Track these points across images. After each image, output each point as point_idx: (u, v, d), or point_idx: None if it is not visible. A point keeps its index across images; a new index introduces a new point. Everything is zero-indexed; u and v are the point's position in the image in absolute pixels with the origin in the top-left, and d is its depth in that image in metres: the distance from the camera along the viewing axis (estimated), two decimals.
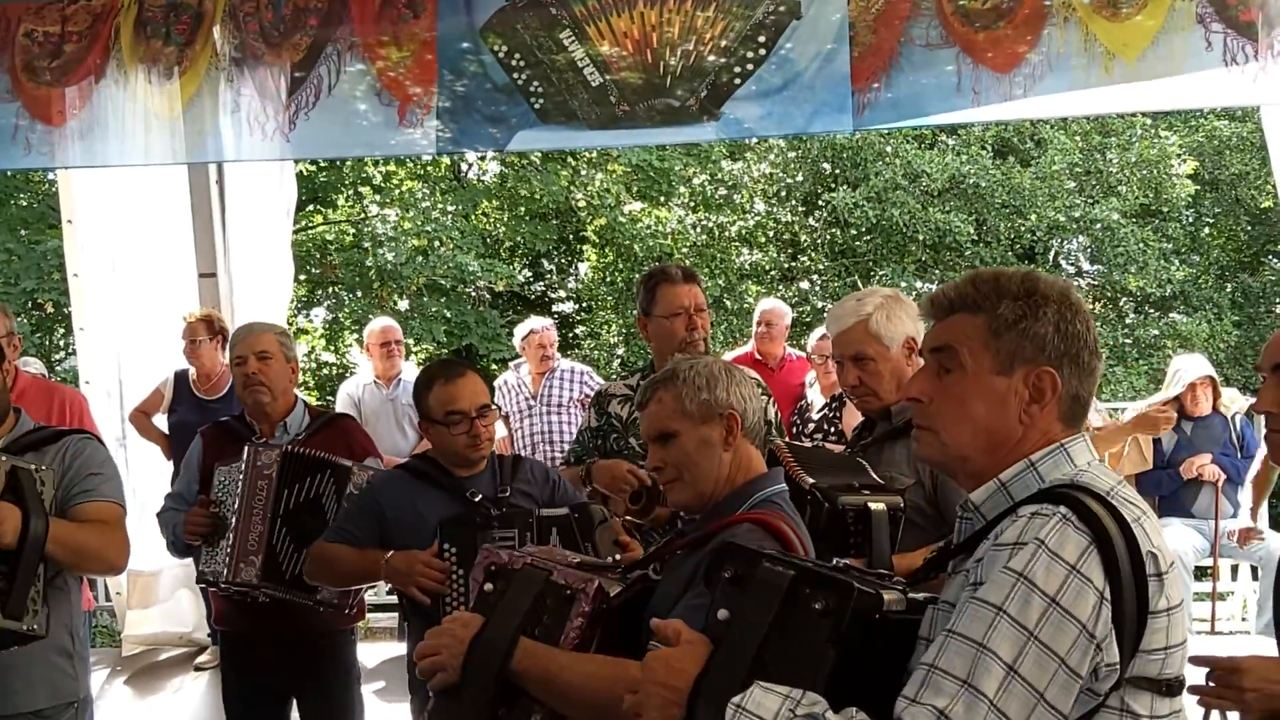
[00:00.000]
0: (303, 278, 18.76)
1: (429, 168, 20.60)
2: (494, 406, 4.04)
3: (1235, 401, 8.21)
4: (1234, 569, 8.77)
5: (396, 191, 20.51)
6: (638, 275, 15.87)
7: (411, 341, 17.98)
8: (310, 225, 20.19)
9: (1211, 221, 22.03)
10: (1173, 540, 7.27)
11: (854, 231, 20.23)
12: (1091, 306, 19.93)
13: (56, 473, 3.56)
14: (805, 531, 2.89)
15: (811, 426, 7.59)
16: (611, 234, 20.26)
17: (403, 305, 19.65)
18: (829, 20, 5.36)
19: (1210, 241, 21.97)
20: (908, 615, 2.00)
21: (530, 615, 2.54)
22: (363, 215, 20.87)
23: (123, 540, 3.71)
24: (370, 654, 7.69)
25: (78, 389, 7.01)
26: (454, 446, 3.94)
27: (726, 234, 21.19)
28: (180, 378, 7.27)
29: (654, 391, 2.95)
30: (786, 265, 21.14)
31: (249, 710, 4.75)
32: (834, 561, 2.32)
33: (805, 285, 21.10)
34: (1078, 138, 20.52)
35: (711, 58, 5.42)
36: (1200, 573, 8.29)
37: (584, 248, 21.83)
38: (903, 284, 18.59)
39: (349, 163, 19.46)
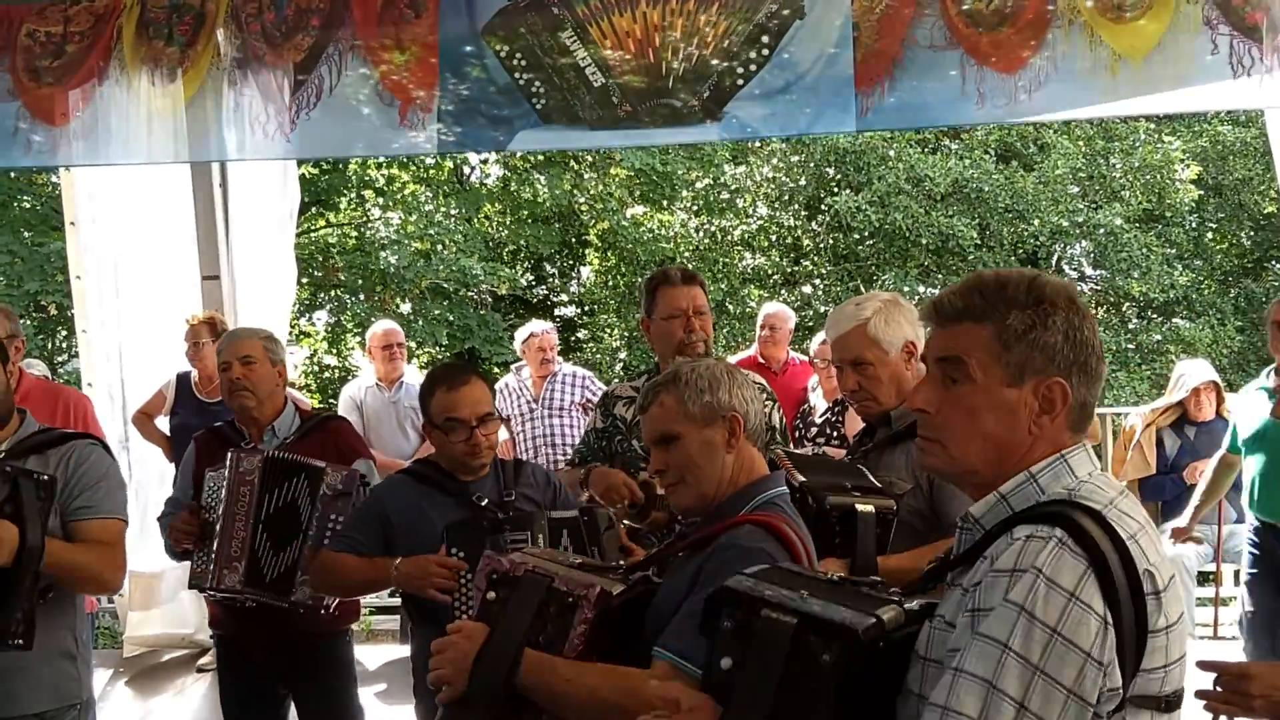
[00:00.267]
0: (305, 281, 18.76)
1: (432, 171, 20.60)
2: (495, 416, 4.02)
3: None
4: (1236, 574, 8.75)
5: (399, 195, 20.52)
6: (640, 279, 15.88)
7: (414, 344, 17.99)
8: (313, 228, 20.20)
9: (1215, 227, 22.02)
10: (1175, 545, 7.26)
11: (856, 236, 20.23)
12: (1094, 312, 19.95)
13: (60, 479, 3.58)
14: (806, 532, 2.89)
15: (814, 431, 7.60)
16: (614, 238, 20.27)
17: (405, 308, 19.65)
18: (832, 21, 5.34)
19: (1213, 247, 21.96)
20: (906, 628, 2.00)
21: (534, 624, 2.54)
22: (365, 218, 20.87)
23: (120, 559, 3.74)
24: (372, 656, 7.69)
25: (82, 391, 7.02)
26: (453, 453, 3.94)
27: (729, 238, 21.21)
28: (182, 380, 7.27)
29: (656, 394, 2.94)
30: (789, 269, 21.14)
31: (246, 713, 4.75)
32: (825, 574, 2.27)
33: (808, 289, 21.09)
34: (1081, 142, 20.52)
35: (714, 58, 5.41)
36: (1203, 578, 8.27)
37: (586, 251, 21.84)
38: (905, 288, 18.60)
39: (352, 166, 19.48)
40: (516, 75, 5.50)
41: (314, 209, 19.83)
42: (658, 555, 2.96)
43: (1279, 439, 5.92)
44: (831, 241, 20.84)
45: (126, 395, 7.53)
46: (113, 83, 5.67)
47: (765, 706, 1.97)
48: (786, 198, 20.99)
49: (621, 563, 3.47)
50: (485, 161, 21.32)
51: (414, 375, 8.23)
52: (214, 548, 4.34)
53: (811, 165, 20.43)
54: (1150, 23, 5.10)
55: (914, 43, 5.27)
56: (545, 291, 22.90)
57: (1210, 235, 22.06)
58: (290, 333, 11.13)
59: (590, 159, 20.13)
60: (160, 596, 7.34)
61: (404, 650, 4.13)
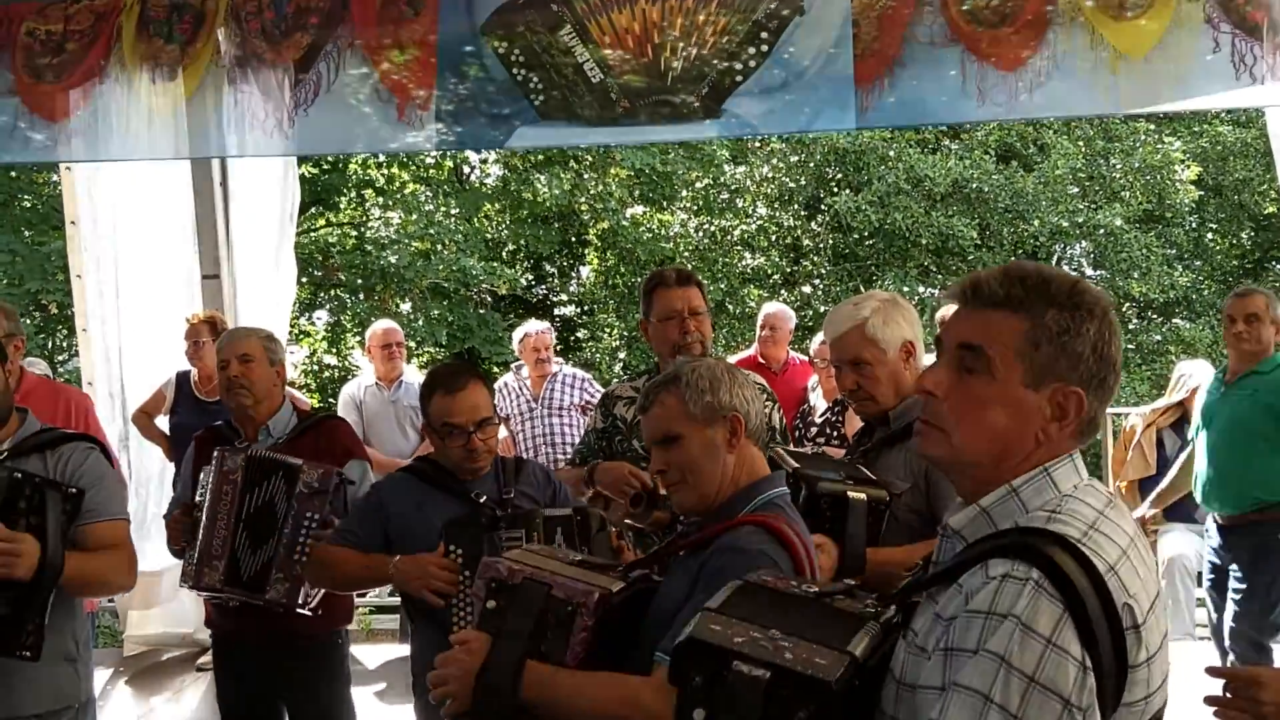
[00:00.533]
0: (305, 280, 18.76)
1: (432, 170, 20.60)
2: (494, 420, 4.01)
3: None
4: None
5: (399, 194, 20.51)
6: (640, 279, 15.87)
7: (414, 344, 17.99)
8: (313, 228, 20.20)
9: (1215, 227, 22.03)
10: (1176, 545, 7.28)
11: (856, 236, 20.22)
12: None
13: (58, 478, 3.59)
14: (807, 534, 2.89)
15: (814, 431, 7.60)
16: (614, 238, 20.25)
17: (405, 308, 19.65)
18: (832, 18, 5.32)
19: (1213, 247, 21.96)
20: (882, 646, 1.99)
21: (534, 633, 2.54)
22: (365, 218, 20.87)
23: (130, 560, 3.78)
24: (372, 656, 7.70)
25: (82, 390, 7.02)
26: (452, 457, 3.94)
27: (729, 238, 21.19)
28: (182, 379, 7.28)
29: (656, 395, 2.94)
30: (789, 269, 21.13)
31: (242, 712, 4.75)
32: (801, 586, 2.25)
33: (807, 289, 21.08)
34: (1081, 143, 20.51)
35: (713, 56, 5.39)
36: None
37: (586, 251, 21.82)
38: (905, 289, 18.59)
39: (352, 165, 19.48)
40: (515, 72, 5.49)
41: (314, 208, 19.83)
42: (658, 554, 2.96)
43: (1222, 421, 6.03)
44: (831, 241, 20.83)
45: (126, 394, 7.53)
46: (113, 80, 5.67)
47: None
48: (786, 198, 20.98)
49: (622, 561, 3.49)
50: (485, 161, 21.32)
51: (413, 375, 8.24)
52: (197, 546, 4.36)
53: (811, 165, 20.41)
54: (1151, 21, 5.08)
55: (914, 39, 5.25)
56: (545, 291, 22.88)
57: (1210, 236, 22.06)
58: (290, 332, 11.13)
59: (590, 159, 20.11)
60: (160, 595, 7.33)
61: (404, 649, 4.13)
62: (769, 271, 20.94)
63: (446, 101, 5.60)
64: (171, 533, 4.54)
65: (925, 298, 18.59)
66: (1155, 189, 20.12)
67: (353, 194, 20.35)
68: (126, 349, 7.60)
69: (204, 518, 4.36)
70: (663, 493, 3.99)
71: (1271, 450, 5.83)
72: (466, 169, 21.57)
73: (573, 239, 21.42)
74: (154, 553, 4.82)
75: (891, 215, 19.28)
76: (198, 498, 4.47)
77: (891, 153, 19.87)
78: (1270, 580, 5.83)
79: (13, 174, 16.53)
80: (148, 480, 7.46)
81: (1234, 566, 5.95)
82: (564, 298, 22.91)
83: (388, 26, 5.54)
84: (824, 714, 1.91)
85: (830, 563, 3.30)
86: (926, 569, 2.05)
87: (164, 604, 7.49)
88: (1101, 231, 19.71)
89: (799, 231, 21.17)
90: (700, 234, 21.20)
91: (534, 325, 8.71)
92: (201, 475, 4.49)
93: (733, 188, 21.37)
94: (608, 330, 21.16)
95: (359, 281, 19.23)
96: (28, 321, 16.17)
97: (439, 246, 19.01)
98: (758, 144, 20.81)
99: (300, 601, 4.33)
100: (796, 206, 20.97)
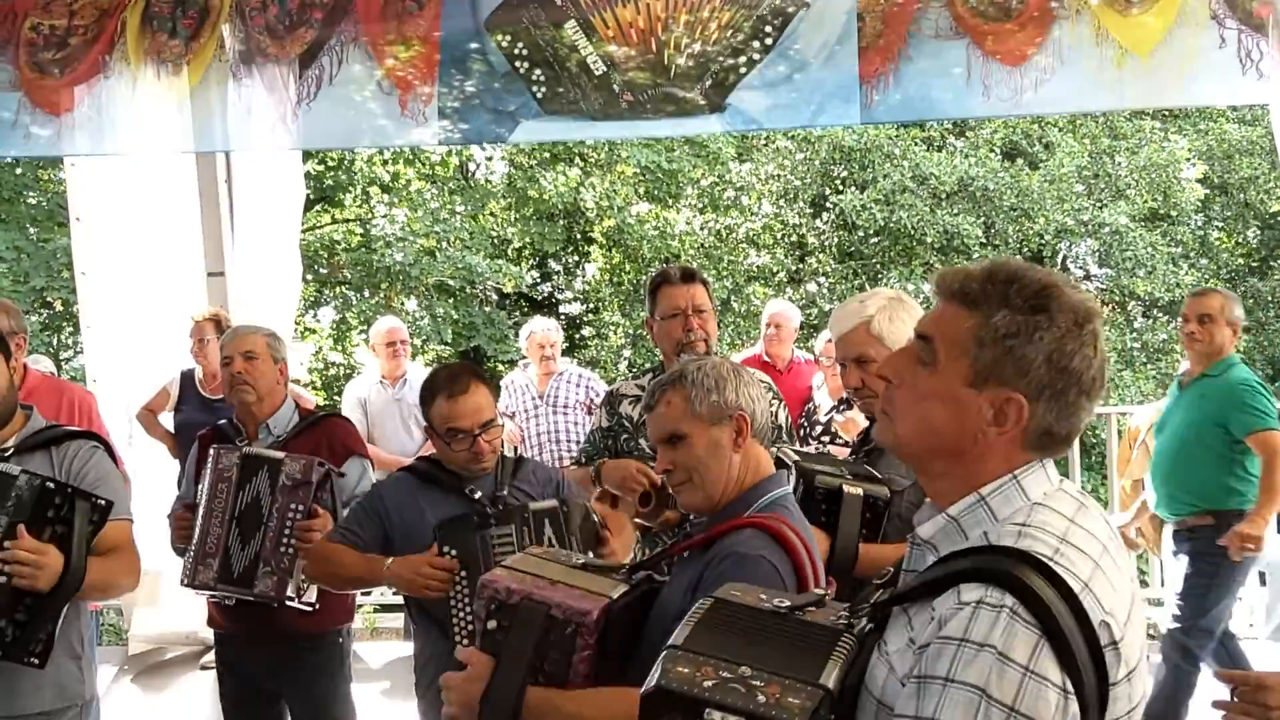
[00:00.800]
0: (310, 278, 18.78)
1: (437, 168, 20.62)
2: (499, 422, 3.99)
3: None
4: None
5: (405, 191, 20.52)
6: (644, 277, 15.88)
7: (419, 342, 17.99)
8: (318, 225, 20.21)
9: (1221, 226, 21.99)
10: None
11: (861, 234, 20.19)
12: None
13: (63, 476, 3.61)
14: (811, 535, 2.88)
15: (819, 429, 7.59)
16: (619, 235, 20.25)
17: (411, 305, 19.66)
18: (837, 12, 5.30)
19: (1219, 246, 21.92)
20: (856, 660, 1.95)
21: (536, 654, 2.53)
22: (370, 215, 20.88)
23: (136, 561, 3.79)
24: (376, 654, 7.71)
25: (86, 387, 7.02)
26: (456, 460, 3.93)
27: (734, 236, 21.19)
28: (186, 377, 7.28)
29: (662, 393, 2.93)
30: (794, 267, 21.13)
31: (244, 710, 4.75)
32: (776, 603, 2.15)
33: (812, 287, 21.08)
34: (1086, 141, 20.50)
35: (717, 50, 5.38)
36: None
37: (591, 249, 21.83)
38: (910, 287, 18.57)
39: (357, 162, 19.48)
40: (518, 65, 5.48)
41: (319, 206, 19.84)
42: (662, 554, 2.96)
43: (1173, 424, 6.01)
44: (836, 239, 20.82)
45: (131, 392, 7.53)
46: (116, 74, 5.67)
47: None
48: (791, 195, 20.97)
49: (589, 554, 3.48)
50: (491, 159, 21.33)
51: (418, 373, 8.22)
52: (193, 544, 4.38)
53: (817, 163, 20.40)
54: (1157, 17, 5.06)
55: (919, 33, 5.24)
56: (550, 289, 22.88)
57: (1216, 234, 22.01)
58: (295, 330, 11.13)
59: (595, 157, 20.13)
60: (164, 594, 7.34)
61: (408, 648, 4.13)
62: (774, 269, 20.94)
63: (450, 96, 5.60)
64: (175, 531, 4.56)
65: (930, 296, 18.56)
66: (1161, 187, 20.08)
67: (358, 191, 20.35)
68: (131, 346, 7.60)
69: (199, 516, 4.38)
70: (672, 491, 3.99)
71: (1213, 458, 5.78)
72: (472, 166, 21.57)
73: (578, 236, 21.42)
74: (158, 551, 4.82)
75: (897, 213, 19.27)
76: (198, 496, 4.48)
77: (897, 150, 19.86)
78: (1205, 587, 5.80)
79: (18, 170, 16.57)
80: (151, 479, 7.45)
81: (1181, 571, 5.94)
82: (569, 295, 22.90)
83: (391, 21, 5.53)
84: None
85: (820, 556, 3.30)
86: (898, 575, 2.02)
87: (168, 602, 7.50)
88: (1107, 230, 19.68)
89: (804, 229, 21.16)
90: (705, 232, 21.21)
91: (541, 323, 8.71)
92: (204, 473, 4.50)
93: (738, 185, 21.37)
94: (613, 328, 21.16)
95: (364, 279, 19.24)
96: (33, 319, 16.21)
97: (444, 244, 19.02)
98: (763, 141, 20.81)
99: (290, 594, 4.31)
100: (802, 204, 20.96)
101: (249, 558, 4.31)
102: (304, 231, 15.51)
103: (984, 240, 19.61)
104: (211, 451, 4.43)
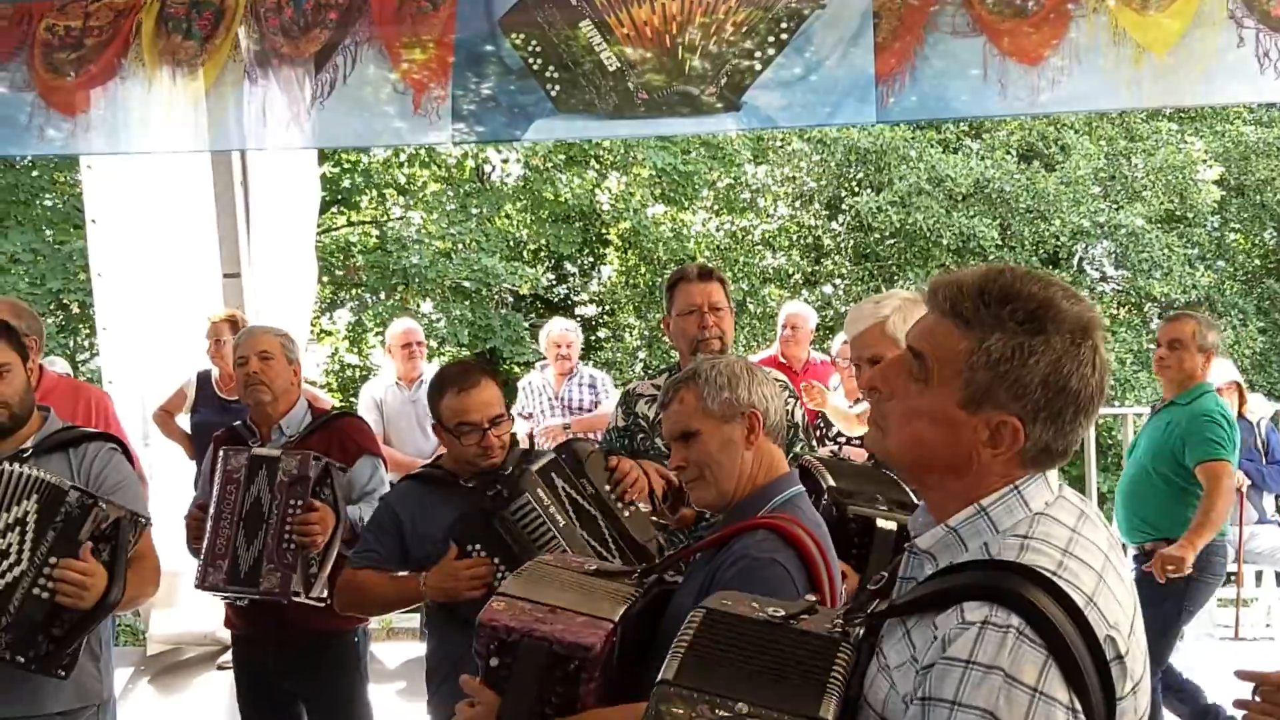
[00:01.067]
0: (326, 280, 18.83)
1: (453, 170, 20.65)
2: (508, 416, 3.98)
3: (1261, 408, 8.17)
4: (1258, 575, 8.72)
5: (420, 194, 20.56)
6: (660, 279, 15.87)
7: (435, 344, 18.02)
8: (334, 227, 20.26)
9: (1237, 227, 21.93)
10: None
11: (877, 235, 20.19)
12: (1115, 312, 19.92)
13: (82, 479, 3.64)
14: (825, 533, 2.87)
15: (835, 430, 7.58)
16: (635, 237, 20.27)
17: (426, 307, 19.69)
18: (853, 9, 5.28)
19: (1236, 247, 21.87)
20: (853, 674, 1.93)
21: (542, 689, 2.49)
22: (386, 217, 20.93)
23: (157, 568, 3.84)
24: (392, 654, 7.72)
25: (103, 389, 7.05)
26: (464, 455, 3.90)
27: (750, 237, 21.20)
28: (203, 378, 7.29)
29: (676, 391, 2.94)
30: (810, 269, 21.13)
31: (259, 711, 4.75)
32: (769, 612, 2.10)
33: (828, 289, 21.09)
34: (1103, 142, 20.46)
35: (732, 48, 5.36)
36: (1224, 579, 8.24)
37: (607, 251, 21.84)
38: (926, 288, 18.55)
39: (373, 164, 19.53)
40: (532, 63, 5.48)
41: (335, 207, 19.89)
42: (675, 556, 2.95)
43: (1140, 447, 5.96)
44: (852, 241, 20.83)
45: (147, 393, 7.55)
46: (131, 75, 5.69)
47: None
48: (807, 197, 20.99)
49: (606, 487, 3.45)
50: (506, 161, 21.35)
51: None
52: (203, 546, 4.39)
53: (832, 165, 20.40)
54: (1174, 16, 5.04)
55: (936, 30, 5.21)
56: (566, 291, 22.91)
57: (1232, 236, 21.96)
58: (311, 331, 11.16)
59: (611, 159, 20.14)
60: (181, 595, 7.36)
61: (424, 648, 4.12)
62: (790, 271, 20.95)
63: (463, 94, 5.60)
64: (189, 531, 4.57)
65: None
66: (1177, 189, 20.04)
67: (374, 193, 20.40)
68: (147, 347, 7.63)
69: (209, 518, 4.38)
70: (685, 488, 3.98)
71: (1169, 488, 5.71)
72: (488, 168, 21.60)
73: (594, 238, 21.44)
74: (175, 553, 4.83)
75: (913, 215, 19.25)
76: (208, 497, 4.50)
77: (913, 152, 19.85)
78: (1154, 613, 5.66)
79: (34, 173, 16.64)
80: (168, 480, 7.48)
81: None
82: (585, 297, 22.92)
83: (406, 22, 5.54)
84: None
85: (849, 592, 3.28)
86: (893, 581, 1.99)
87: (185, 603, 7.52)
88: (1123, 231, 19.65)
89: (820, 231, 21.17)
90: (721, 233, 21.22)
91: (558, 324, 8.72)
92: (215, 475, 4.53)
93: (754, 187, 21.39)
94: (628, 330, 21.18)
95: (380, 281, 19.28)
96: (50, 321, 16.27)
97: (460, 246, 19.05)
98: (778, 143, 20.81)
99: (295, 589, 4.31)
100: (817, 206, 20.97)
101: (253, 557, 4.32)
102: (320, 234, 15.55)
103: (1000, 242, 19.59)
104: (220, 453, 4.43)
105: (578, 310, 22.14)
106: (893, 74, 5.25)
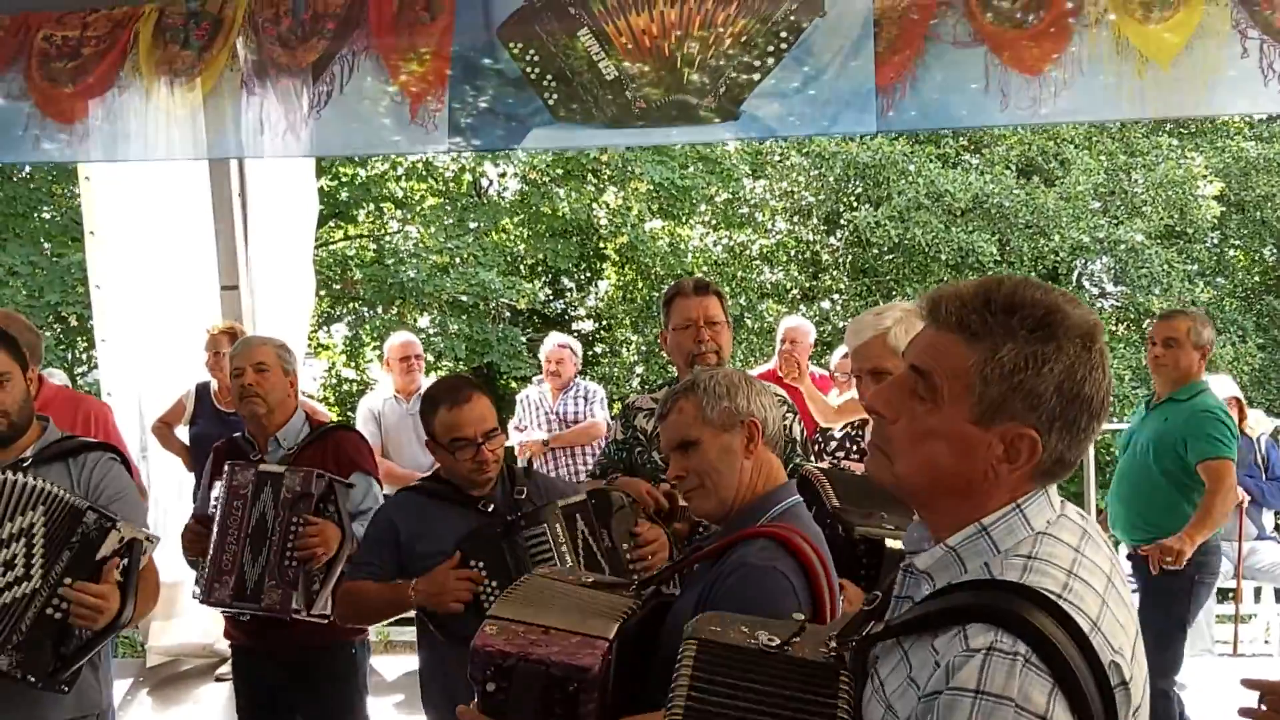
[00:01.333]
0: (323, 293, 18.84)
1: (450, 184, 20.66)
2: (499, 430, 3.96)
3: (1260, 424, 8.16)
4: (1257, 591, 8.72)
5: (418, 208, 20.58)
6: (657, 294, 15.86)
7: (432, 358, 18.02)
8: (331, 240, 20.27)
9: (1237, 243, 21.96)
10: None
11: (876, 251, 20.21)
12: (1114, 328, 19.92)
13: (82, 489, 3.64)
14: (823, 543, 2.86)
15: (834, 445, 7.57)
16: (632, 252, 20.28)
17: (424, 322, 19.69)
18: (853, 16, 5.24)
19: (1235, 264, 21.90)
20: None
21: (541, 715, 2.46)
22: (383, 231, 20.94)
23: (157, 583, 3.82)
24: (390, 667, 7.70)
25: (103, 400, 7.04)
26: (459, 471, 3.88)
27: (747, 252, 21.21)
28: (202, 390, 7.29)
29: (675, 401, 2.94)
30: (807, 284, 21.14)
31: None
32: (766, 643, 2.09)
33: (826, 305, 21.08)
34: (1103, 157, 20.49)
35: (731, 57, 5.36)
36: (1223, 595, 8.24)
37: (604, 265, 21.85)
38: (923, 304, 18.54)
39: (370, 178, 19.54)
40: (530, 72, 5.48)
41: (332, 221, 19.91)
42: (674, 568, 2.95)
43: (1137, 447, 5.92)
44: (850, 257, 20.84)
45: (146, 405, 7.55)
46: (128, 84, 5.69)
47: None
48: (805, 212, 21.00)
49: (625, 546, 3.44)
50: (504, 175, 21.38)
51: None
52: (208, 561, 4.37)
53: (830, 179, 20.42)
54: (1178, 27, 5.03)
55: (937, 38, 5.20)
56: (563, 305, 22.91)
57: (1232, 252, 21.99)
58: (309, 345, 11.14)
59: (609, 172, 20.15)
60: (180, 606, 7.35)
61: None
62: (788, 286, 20.96)
63: (460, 103, 5.59)
64: (186, 543, 4.55)
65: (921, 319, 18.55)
66: (1177, 204, 20.07)
67: (371, 207, 20.41)
68: (146, 359, 7.62)
69: (214, 533, 4.36)
70: (682, 504, 3.97)
71: (1170, 486, 5.69)
72: (485, 183, 21.62)
73: (591, 253, 21.45)
74: (173, 565, 4.81)
75: (911, 230, 19.27)
76: (210, 510, 4.48)
77: (911, 167, 19.87)
78: (1163, 618, 5.61)
79: (32, 185, 16.64)
80: (166, 492, 7.47)
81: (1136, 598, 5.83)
82: (582, 312, 22.91)
83: (403, 32, 5.54)
84: None
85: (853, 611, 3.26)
86: (887, 601, 1.96)
87: (184, 615, 7.51)
88: (1123, 247, 19.68)
89: (818, 246, 21.19)
90: (719, 248, 21.23)
91: (553, 338, 8.74)
92: (215, 487, 4.50)
93: (752, 202, 21.40)
94: (625, 346, 21.17)
95: (377, 295, 19.29)
96: (48, 334, 16.27)
97: (458, 260, 19.06)
98: (776, 157, 20.83)
99: (296, 607, 4.30)
100: (815, 221, 20.98)
101: (258, 573, 4.31)
102: (317, 247, 15.54)
103: (999, 258, 19.60)
104: (226, 467, 4.40)
105: (575, 325, 22.14)
106: (893, 84, 5.24)
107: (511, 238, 20.96)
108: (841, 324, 19.33)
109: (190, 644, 7.75)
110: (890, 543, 3.38)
